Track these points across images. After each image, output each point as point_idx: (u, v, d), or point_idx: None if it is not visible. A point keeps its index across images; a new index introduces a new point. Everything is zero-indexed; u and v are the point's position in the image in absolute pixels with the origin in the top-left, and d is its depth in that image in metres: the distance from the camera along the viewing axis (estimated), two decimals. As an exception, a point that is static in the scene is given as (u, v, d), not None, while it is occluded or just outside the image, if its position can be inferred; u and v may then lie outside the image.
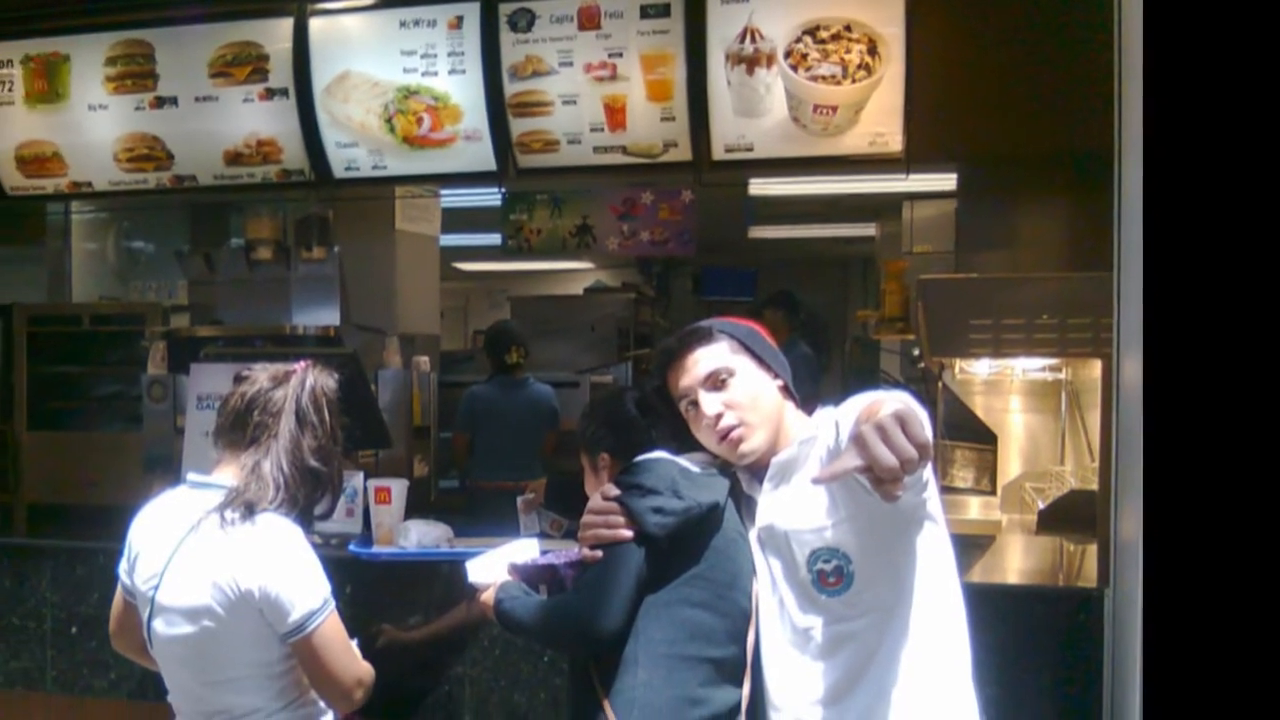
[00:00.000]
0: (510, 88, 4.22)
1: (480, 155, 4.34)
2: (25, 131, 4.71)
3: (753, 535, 2.19)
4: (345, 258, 5.61)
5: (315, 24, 4.36)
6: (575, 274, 10.63)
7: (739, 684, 2.16)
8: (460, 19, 4.20)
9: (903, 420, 1.66)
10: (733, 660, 2.16)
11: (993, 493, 4.30)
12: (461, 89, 4.26)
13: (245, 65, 4.42)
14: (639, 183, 6.82)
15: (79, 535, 3.74)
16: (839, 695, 2.04)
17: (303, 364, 2.39)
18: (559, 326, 7.76)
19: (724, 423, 2.15)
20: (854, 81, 3.90)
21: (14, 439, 6.51)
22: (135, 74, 4.54)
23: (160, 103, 4.53)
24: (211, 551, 2.19)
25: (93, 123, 4.63)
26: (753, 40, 3.95)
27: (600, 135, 4.22)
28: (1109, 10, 2.53)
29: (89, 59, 4.58)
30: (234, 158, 4.55)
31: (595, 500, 2.23)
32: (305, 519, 2.31)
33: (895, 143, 3.98)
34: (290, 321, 5.44)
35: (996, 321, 3.50)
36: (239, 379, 2.36)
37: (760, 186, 6.86)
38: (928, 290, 3.79)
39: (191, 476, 2.35)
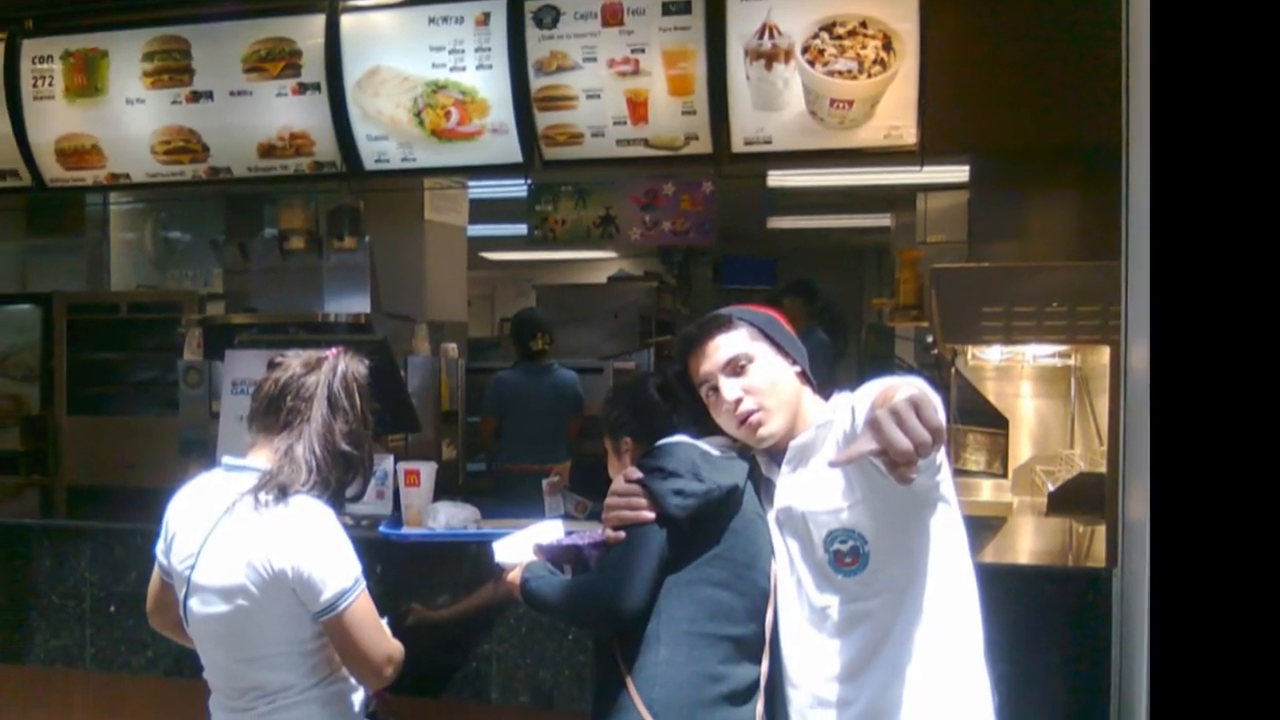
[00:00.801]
0: (536, 82, 4.23)
1: (507, 148, 4.35)
2: (65, 125, 4.74)
3: (771, 517, 2.21)
4: (375, 247, 5.64)
5: (346, 20, 4.38)
6: (599, 263, 10.67)
7: (758, 661, 2.19)
8: (487, 15, 4.22)
9: (917, 405, 1.69)
10: (752, 638, 2.19)
11: (1004, 475, 4.32)
12: (488, 83, 4.28)
13: (279, 60, 4.45)
14: (661, 174, 6.83)
15: (117, 516, 3.75)
16: (855, 672, 2.07)
17: (334, 350, 2.42)
18: (583, 314, 7.79)
19: (743, 407, 2.18)
20: (870, 76, 3.91)
21: (54, 423, 6.62)
22: (172, 69, 4.56)
23: (196, 97, 4.56)
24: (246, 532, 2.22)
25: (130, 116, 4.65)
26: (771, 36, 3.96)
27: (623, 128, 4.23)
28: (1117, 7, 2.54)
29: (127, 55, 4.61)
30: (267, 150, 4.57)
31: (618, 483, 2.26)
32: (337, 501, 2.33)
33: (910, 136, 3.99)
34: (322, 309, 5.48)
35: (1008, 309, 3.51)
36: (273, 365, 2.39)
37: (779, 178, 6.86)
38: (941, 279, 3.80)
39: (226, 459, 2.38)
